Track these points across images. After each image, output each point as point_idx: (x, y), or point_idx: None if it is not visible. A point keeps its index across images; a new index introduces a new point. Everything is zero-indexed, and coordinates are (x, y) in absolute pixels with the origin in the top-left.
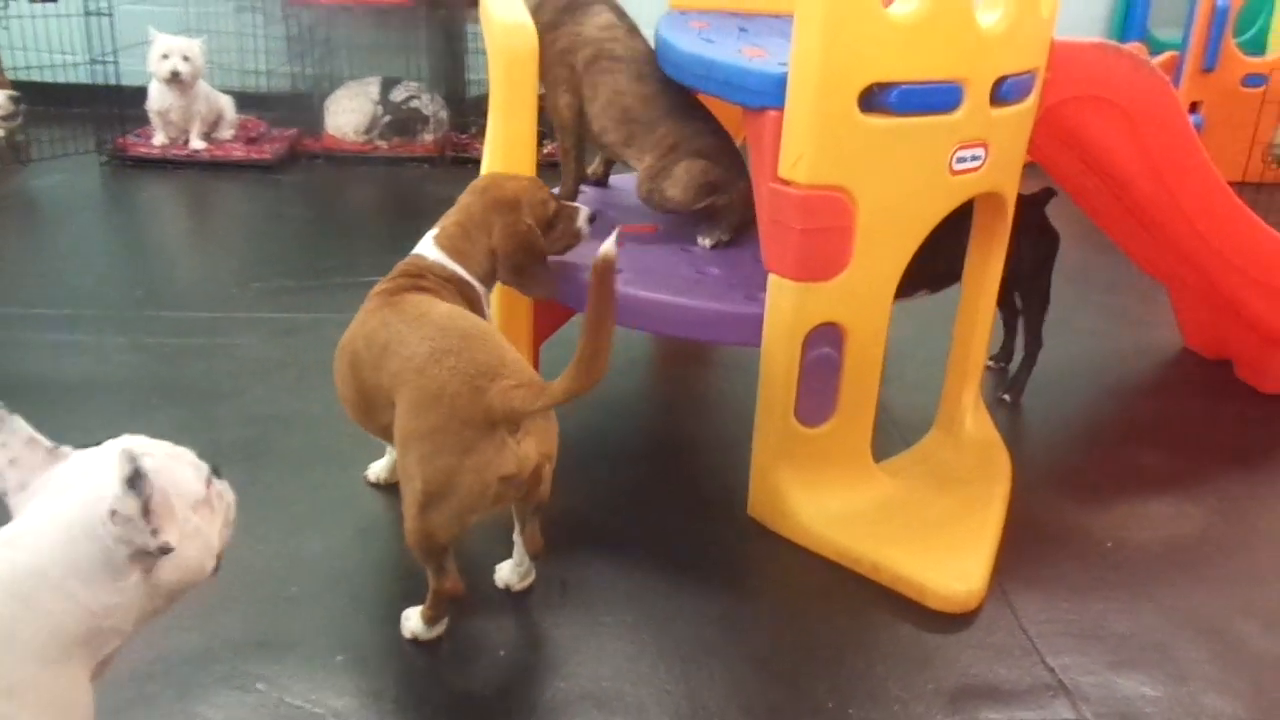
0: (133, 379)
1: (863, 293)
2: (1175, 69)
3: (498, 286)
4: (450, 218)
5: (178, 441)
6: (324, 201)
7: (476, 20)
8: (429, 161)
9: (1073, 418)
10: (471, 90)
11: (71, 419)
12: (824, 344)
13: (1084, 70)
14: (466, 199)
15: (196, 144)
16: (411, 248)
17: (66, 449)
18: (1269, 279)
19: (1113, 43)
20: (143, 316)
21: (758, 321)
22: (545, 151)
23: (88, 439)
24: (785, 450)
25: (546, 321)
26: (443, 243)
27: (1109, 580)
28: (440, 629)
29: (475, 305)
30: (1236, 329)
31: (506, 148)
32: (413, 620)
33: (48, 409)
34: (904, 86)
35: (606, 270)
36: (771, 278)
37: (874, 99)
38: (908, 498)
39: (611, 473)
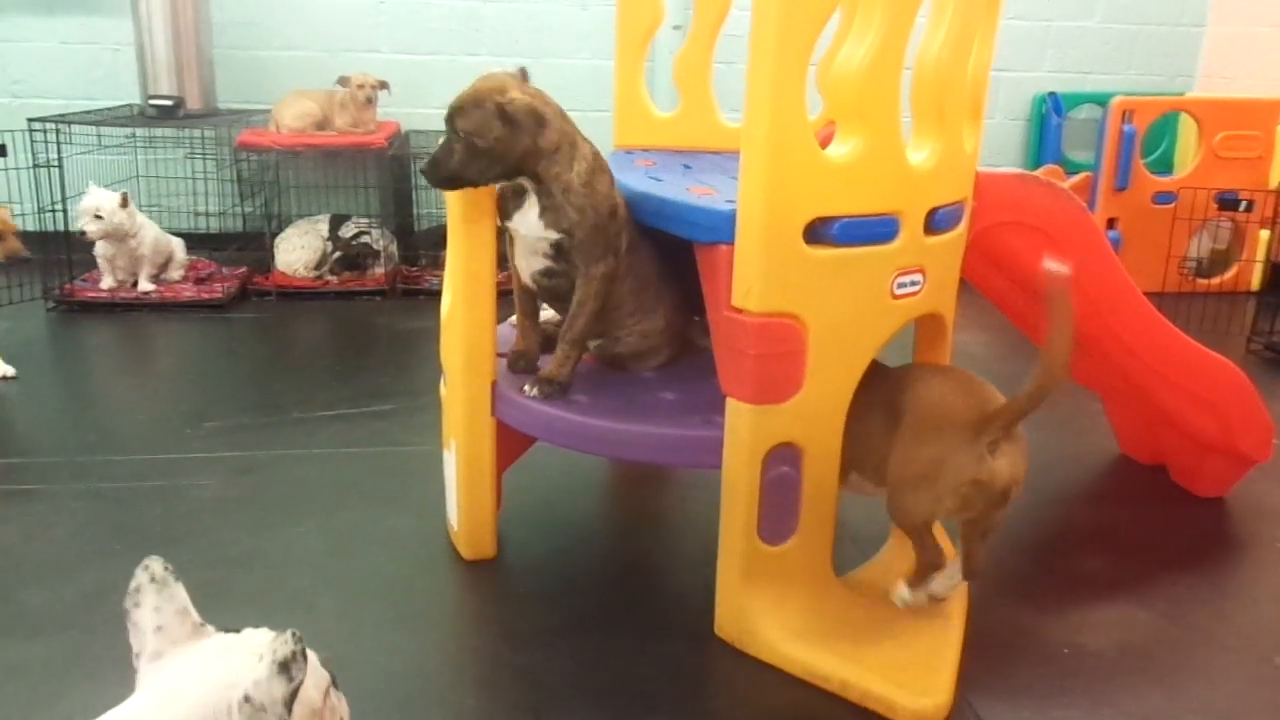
0: (89, 525)
1: (817, 413)
2: (1090, 189)
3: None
4: None
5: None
6: (276, 338)
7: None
8: (380, 294)
9: (1016, 526)
10: (421, 224)
11: (26, 569)
12: (782, 464)
13: (1005, 198)
14: None
15: (145, 286)
16: (365, 379)
17: (210, 628)
18: (1192, 386)
19: (1030, 173)
20: (96, 461)
21: (715, 444)
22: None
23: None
24: (750, 569)
25: (509, 448)
26: None
27: (1068, 687)
28: (922, 596)
29: None
30: (1169, 435)
31: (466, 282)
32: (899, 588)
33: (2, 559)
34: (845, 220)
35: (1066, 288)
36: (730, 401)
37: (818, 232)
38: (870, 612)
39: (577, 596)
